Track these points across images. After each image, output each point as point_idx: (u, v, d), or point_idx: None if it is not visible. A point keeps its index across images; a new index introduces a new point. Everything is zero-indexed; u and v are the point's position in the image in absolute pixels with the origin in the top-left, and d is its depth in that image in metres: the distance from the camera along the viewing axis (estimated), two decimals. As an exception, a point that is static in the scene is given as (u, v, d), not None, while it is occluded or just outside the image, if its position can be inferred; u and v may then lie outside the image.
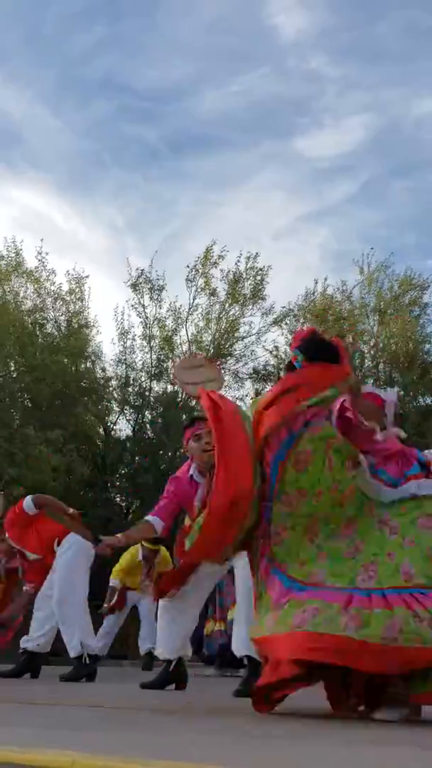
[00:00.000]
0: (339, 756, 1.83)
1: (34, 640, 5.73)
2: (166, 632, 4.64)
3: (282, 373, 18.73)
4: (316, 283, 19.37)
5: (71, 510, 5.63)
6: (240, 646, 4.55)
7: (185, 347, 18.66)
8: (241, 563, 4.17)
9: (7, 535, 5.71)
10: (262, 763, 1.50)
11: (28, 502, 5.63)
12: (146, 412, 18.06)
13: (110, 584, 8.42)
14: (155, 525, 4.35)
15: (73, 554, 5.57)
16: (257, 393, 18.65)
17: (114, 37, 28.23)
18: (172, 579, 4.44)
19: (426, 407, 18.11)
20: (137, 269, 18.58)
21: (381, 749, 1.97)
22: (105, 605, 8.47)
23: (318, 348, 3.37)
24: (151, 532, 4.43)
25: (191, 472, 4.50)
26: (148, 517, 4.43)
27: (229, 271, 18.67)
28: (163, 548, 7.80)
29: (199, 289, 18.77)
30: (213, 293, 18.74)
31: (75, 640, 5.46)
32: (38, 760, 1.54)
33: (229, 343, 18.76)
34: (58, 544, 5.63)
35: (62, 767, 1.52)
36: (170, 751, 1.77)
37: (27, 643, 5.76)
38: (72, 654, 5.49)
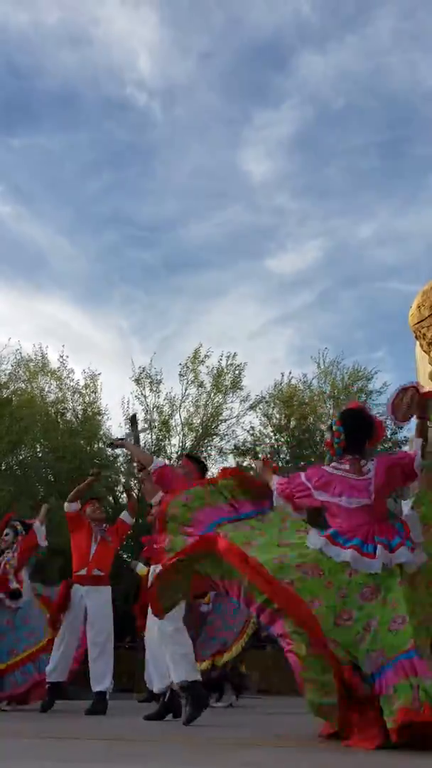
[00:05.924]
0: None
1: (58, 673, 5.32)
2: (170, 663, 4.02)
3: (259, 449, 18.51)
4: (283, 375, 19.50)
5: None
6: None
7: (179, 428, 18.64)
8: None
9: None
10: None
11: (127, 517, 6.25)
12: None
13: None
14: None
15: (108, 604, 5.51)
16: (238, 465, 18.49)
17: (119, 181, 29.66)
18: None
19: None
20: (139, 367, 18.78)
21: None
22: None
23: (359, 425, 3.17)
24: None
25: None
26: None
27: (213, 367, 18.87)
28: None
29: (189, 382, 18.88)
30: (201, 385, 18.85)
31: (108, 678, 5.29)
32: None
33: (214, 425, 18.74)
34: None
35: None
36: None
37: (51, 675, 5.32)
38: (101, 688, 5.22)
